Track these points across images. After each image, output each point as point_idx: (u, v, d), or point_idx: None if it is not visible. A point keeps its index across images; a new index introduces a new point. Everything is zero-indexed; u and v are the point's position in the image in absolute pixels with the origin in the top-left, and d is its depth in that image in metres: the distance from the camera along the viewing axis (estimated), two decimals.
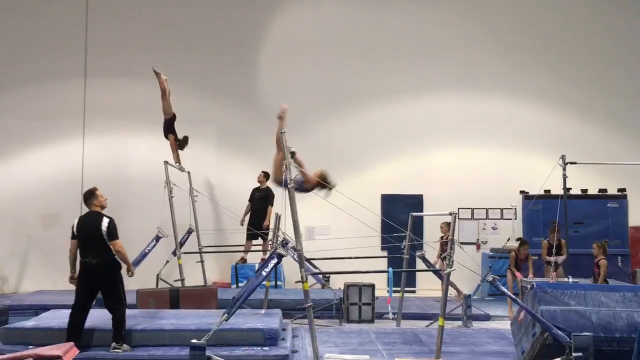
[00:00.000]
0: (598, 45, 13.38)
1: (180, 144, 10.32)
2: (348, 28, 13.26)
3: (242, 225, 11.38)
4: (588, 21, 13.42)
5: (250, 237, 11.41)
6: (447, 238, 10.31)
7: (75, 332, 6.53)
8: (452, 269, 6.64)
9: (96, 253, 6.58)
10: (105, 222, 6.63)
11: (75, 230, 6.74)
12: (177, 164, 10.42)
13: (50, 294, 11.21)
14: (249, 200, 11.69)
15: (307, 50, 13.16)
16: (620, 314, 6.25)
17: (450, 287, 7.57)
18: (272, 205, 11.35)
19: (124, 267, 6.80)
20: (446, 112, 13.09)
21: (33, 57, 12.81)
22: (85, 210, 7.07)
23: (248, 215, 11.62)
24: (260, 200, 11.52)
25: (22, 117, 12.69)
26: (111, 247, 6.61)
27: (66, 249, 12.17)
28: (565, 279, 9.06)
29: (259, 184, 11.69)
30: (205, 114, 12.92)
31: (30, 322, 7.16)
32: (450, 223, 11.08)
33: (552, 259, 9.57)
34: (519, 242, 10.18)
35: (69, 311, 6.72)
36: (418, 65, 13.15)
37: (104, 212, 6.86)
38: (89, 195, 6.88)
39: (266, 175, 11.45)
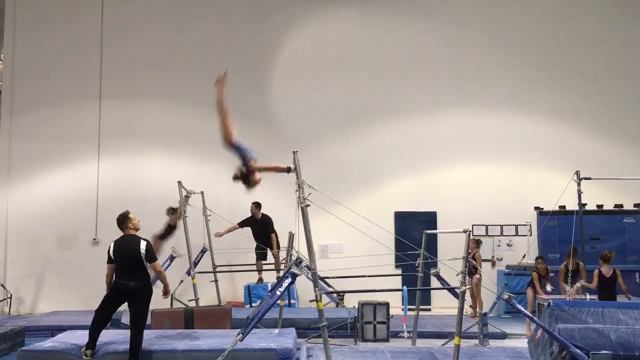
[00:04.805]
0: (612, 61, 13.35)
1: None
2: (359, 47, 13.36)
3: (218, 235, 10.93)
4: (602, 37, 13.40)
5: (260, 257, 11.40)
6: (473, 255, 10.25)
7: (96, 337, 6.62)
8: (467, 287, 6.58)
9: (133, 276, 6.62)
10: (143, 244, 6.72)
11: (112, 253, 6.75)
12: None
13: (66, 314, 11.24)
14: (240, 224, 11.30)
15: (318, 70, 13.26)
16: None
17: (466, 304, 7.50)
18: (274, 232, 11.32)
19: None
20: (459, 129, 13.08)
21: (49, 79, 13.05)
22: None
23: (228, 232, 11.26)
24: (264, 229, 11.30)
25: (39, 139, 12.88)
26: (151, 268, 6.72)
27: (82, 270, 12.42)
28: (583, 297, 8.94)
29: (252, 215, 11.38)
30: (218, 135, 12.95)
31: (46, 344, 7.17)
32: (478, 240, 11.12)
33: (569, 289, 9.32)
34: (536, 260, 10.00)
35: (84, 332, 6.75)
36: (431, 82, 13.18)
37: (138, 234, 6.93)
38: (123, 219, 6.93)
39: (258, 205, 11.34)
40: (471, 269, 9.30)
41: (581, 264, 9.59)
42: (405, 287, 8.04)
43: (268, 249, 11.33)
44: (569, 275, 9.18)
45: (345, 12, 13.47)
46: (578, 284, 9.38)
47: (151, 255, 6.73)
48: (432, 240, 11.32)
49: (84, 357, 6.47)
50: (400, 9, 13.40)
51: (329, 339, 6.71)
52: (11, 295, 12.24)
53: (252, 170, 6.34)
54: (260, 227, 11.32)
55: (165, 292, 7.00)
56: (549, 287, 9.61)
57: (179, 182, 10.51)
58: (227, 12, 13.38)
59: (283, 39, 13.40)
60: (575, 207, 9.72)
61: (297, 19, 13.53)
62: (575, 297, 9.09)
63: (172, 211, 10.80)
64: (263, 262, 11.47)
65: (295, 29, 13.50)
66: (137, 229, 6.94)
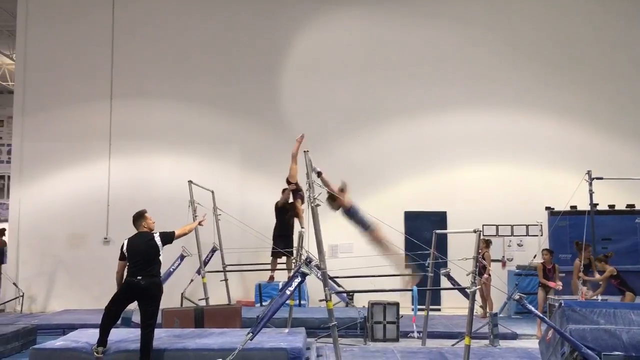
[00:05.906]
0: (623, 59, 13.26)
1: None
2: (369, 47, 13.35)
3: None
4: (613, 35, 13.31)
5: (276, 255, 11.23)
6: (483, 255, 10.21)
7: (107, 333, 6.67)
8: (477, 287, 6.56)
9: (145, 274, 6.62)
10: (157, 236, 6.79)
11: (125, 251, 6.77)
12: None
13: (78, 313, 11.32)
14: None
15: (328, 69, 13.27)
16: None
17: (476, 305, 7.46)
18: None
19: None
20: (470, 128, 13.03)
21: (60, 79, 13.16)
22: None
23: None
24: (291, 220, 10.72)
25: (50, 139, 12.98)
26: (180, 237, 7.05)
27: (93, 269, 12.48)
28: (595, 297, 8.89)
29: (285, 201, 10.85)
30: (228, 134, 13.08)
31: (58, 342, 7.21)
32: (487, 240, 11.08)
33: (585, 278, 9.24)
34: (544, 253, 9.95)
35: (96, 330, 6.79)
36: (440, 82, 13.14)
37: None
38: (138, 217, 6.97)
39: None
40: (480, 269, 9.26)
41: (592, 257, 9.63)
42: (415, 287, 8.00)
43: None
44: (581, 268, 9.15)
45: (354, 11, 13.46)
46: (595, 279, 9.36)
47: (169, 235, 6.84)
48: (442, 240, 11.26)
49: (95, 354, 6.50)
50: (409, 8, 13.38)
51: (339, 339, 6.70)
52: (23, 293, 12.35)
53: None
54: (290, 215, 10.66)
55: (200, 223, 7.68)
56: (558, 283, 9.52)
57: (190, 182, 10.53)
58: (238, 11, 13.42)
59: (293, 39, 13.41)
60: (587, 207, 9.65)
61: (306, 18, 13.53)
62: (587, 296, 9.04)
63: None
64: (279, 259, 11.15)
65: (305, 28, 13.50)
66: (151, 230, 6.96)
